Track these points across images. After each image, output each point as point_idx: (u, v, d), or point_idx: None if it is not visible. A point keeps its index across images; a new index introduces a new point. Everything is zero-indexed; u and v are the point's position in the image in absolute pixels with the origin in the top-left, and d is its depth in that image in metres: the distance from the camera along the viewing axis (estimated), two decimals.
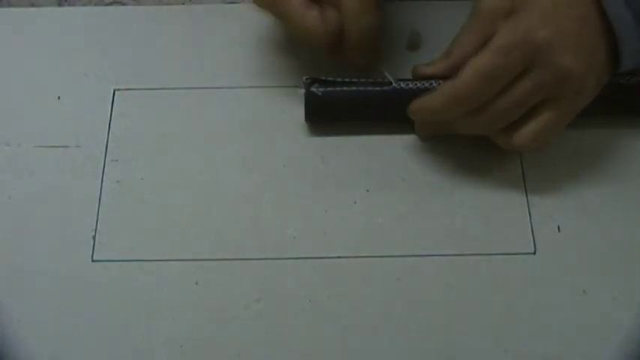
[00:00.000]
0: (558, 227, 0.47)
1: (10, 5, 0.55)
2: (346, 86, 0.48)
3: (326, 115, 0.49)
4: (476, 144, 0.49)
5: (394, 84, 0.48)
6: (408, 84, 0.47)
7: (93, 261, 0.46)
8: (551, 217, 0.47)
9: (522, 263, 0.46)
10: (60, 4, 0.56)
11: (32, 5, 0.56)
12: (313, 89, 0.48)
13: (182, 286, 0.46)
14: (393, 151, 0.49)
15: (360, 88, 0.48)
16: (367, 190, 0.48)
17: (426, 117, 0.46)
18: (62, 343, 0.44)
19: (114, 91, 0.52)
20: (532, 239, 0.47)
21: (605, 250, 0.46)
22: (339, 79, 0.48)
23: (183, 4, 0.55)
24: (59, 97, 0.52)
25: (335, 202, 0.48)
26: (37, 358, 0.43)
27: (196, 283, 0.46)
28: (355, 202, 0.48)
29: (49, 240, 0.47)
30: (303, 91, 0.48)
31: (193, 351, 0.44)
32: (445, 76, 0.45)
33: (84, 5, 0.55)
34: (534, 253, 0.46)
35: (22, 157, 0.49)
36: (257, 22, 0.53)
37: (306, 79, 0.48)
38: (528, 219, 0.47)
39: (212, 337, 0.44)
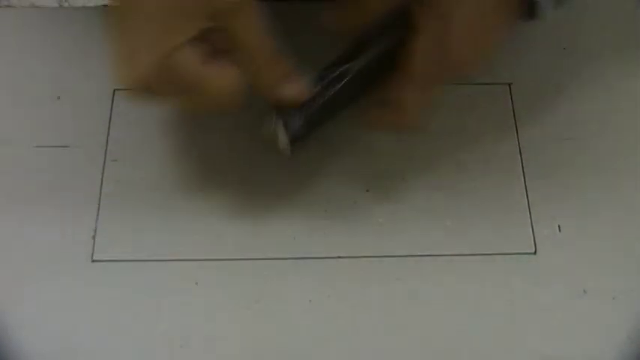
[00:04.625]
0: (559, 227, 0.47)
1: (10, 5, 0.56)
2: (318, 100, 0.44)
3: (308, 136, 0.45)
4: (476, 144, 0.49)
5: (346, 66, 0.43)
6: (354, 66, 0.43)
7: (93, 261, 0.46)
8: (552, 217, 0.47)
9: (523, 263, 0.46)
10: (60, 4, 0.56)
11: (32, 5, 0.56)
12: (293, 122, 0.43)
13: (182, 286, 0.45)
14: (393, 151, 0.49)
15: (331, 92, 0.44)
16: (367, 190, 0.48)
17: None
18: (62, 343, 0.44)
19: (114, 91, 0.52)
20: (532, 239, 0.47)
21: (605, 250, 0.46)
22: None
23: None
24: (59, 97, 0.52)
25: (335, 202, 0.48)
26: (37, 358, 0.43)
27: (196, 283, 0.46)
28: (355, 202, 0.48)
29: (49, 240, 0.47)
30: (284, 134, 0.44)
31: (193, 351, 0.44)
32: None
33: (84, 5, 0.55)
34: (535, 253, 0.46)
35: (22, 157, 0.49)
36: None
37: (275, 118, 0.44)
38: (529, 219, 0.47)
39: (212, 337, 0.44)
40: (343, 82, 0.43)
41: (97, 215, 0.47)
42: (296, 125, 0.43)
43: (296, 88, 0.42)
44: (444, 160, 0.49)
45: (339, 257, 0.46)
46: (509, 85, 0.52)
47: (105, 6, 0.55)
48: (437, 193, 0.48)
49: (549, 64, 0.53)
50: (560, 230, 0.47)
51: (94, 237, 0.47)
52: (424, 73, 0.42)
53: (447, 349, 0.44)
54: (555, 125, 0.50)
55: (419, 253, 0.46)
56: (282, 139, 0.44)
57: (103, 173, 0.49)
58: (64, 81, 0.52)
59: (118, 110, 0.51)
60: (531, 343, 0.44)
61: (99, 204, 0.48)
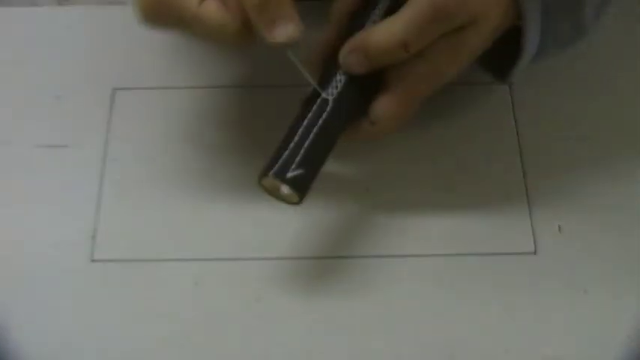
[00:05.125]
0: (559, 227, 0.47)
1: (10, 5, 0.56)
2: (308, 135, 0.42)
3: (313, 176, 0.42)
4: (476, 144, 0.49)
5: (323, 95, 0.42)
6: (333, 90, 0.43)
7: (93, 261, 0.46)
8: (552, 217, 0.47)
9: (523, 263, 0.46)
10: (60, 4, 0.56)
11: (32, 5, 0.56)
12: (291, 174, 0.41)
13: (182, 286, 0.45)
14: (393, 151, 0.49)
15: (315, 132, 0.42)
16: (367, 190, 0.48)
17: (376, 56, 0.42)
18: (62, 343, 0.44)
19: (114, 90, 0.52)
20: (533, 239, 0.47)
21: (606, 249, 0.46)
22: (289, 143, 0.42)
23: None
24: (59, 97, 0.52)
25: (335, 201, 0.48)
26: (37, 358, 0.43)
27: (196, 283, 0.46)
28: (355, 202, 0.48)
29: (49, 240, 0.47)
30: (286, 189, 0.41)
31: (193, 351, 0.44)
32: None
33: (84, 5, 0.55)
34: (535, 252, 0.46)
35: (22, 157, 0.49)
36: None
37: (272, 175, 0.41)
38: (529, 218, 0.47)
39: (212, 337, 0.44)
40: (327, 110, 0.42)
41: (97, 215, 0.47)
42: (295, 168, 0.41)
43: (289, 30, 0.39)
44: (444, 159, 0.49)
45: (339, 257, 0.46)
46: (510, 84, 0.52)
47: (105, 5, 0.55)
48: (437, 193, 0.48)
49: (549, 64, 0.52)
50: (560, 230, 0.47)
51: (94, 237, 0.47)
52: (411, 90, 0.43)
53: (447, 349, 0.44)
54: (555, 125, 0.50)
55: (419, 253, 0.46)
56: (284, 188, 0.41)
57: (103, 173, 0.49)
58: (64, 81, 0.52)
59: (118, 110, 0.51)
60: (531, 343, 0.44)
61: (99, 204, 0.48)
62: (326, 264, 0.46)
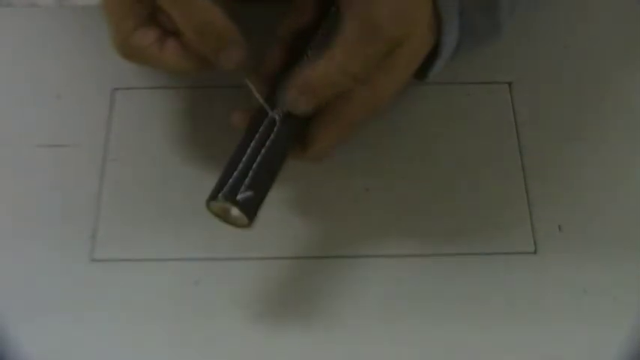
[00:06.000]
0: (559, 227, 0.47)
1: (10, 5, 0.56)
2: (252, 164, 0.41)
3: (261, 199, 0.41)
4: (476, 143, 0.49)
5: (271, 114, 0.42)
6: (280, 111, 0.42)
7: (92, 260, 0.46)
8: (552, 217, 0.47)
9: (523, 263, 0.46)
10: (60, 4, 0.56)
11: (32, 5, 0.56)
12: (241, 197, 0.40)
13: (182, 286, 0.45)
14: (393, 151, 0.49)
15: (264, 153, 0.41)
16: (367, 190, 0.48)
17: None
18: (62, 343, 0.44)
19: (114, 90, 0.52)
20: (532, 239, 0.47)
21: (605, 250, 0.46)
22: (238, 166, 0.41)
23: None
24: (59, 96, 0.52)
25: (334, 201, 0.48)
26: (37, 358, 0.43)
27: (196, 283, 0.46)
28: (355, 202, 0.48)
29: (48, 240, 0.47)
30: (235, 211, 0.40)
31: (193, 351, 0.44)
32: None
33: (84, 5, 0.55)
34: (535, 252, 0.46)
35: (22, 156, 0.49)
36: (257, 21, 0.53)
37: (221, 197, 0.40)
38: (529, 218, 0.47)
39: (212, 337, 0.44)
40: (275, 131, 0.41)
41: (97, 215, 0.47)
42: (244, 190, 0.40)
43: (234, 56, 0.42)
44: (443, 159, 0.49)
45: (340, 257, 0.46)
46: (509, 83, 0.52)
47: None
48: (437, 193, 0.48)
49: (550, 62, 0.53)
50: (560, 230, 0.47)
51: (93, 237, 0.47)
52: (352, 116, 0.43)
53: (447, 349, 0.44)
54: (556, 124, 0.50)
55: (419, 253, 0.46)
56: (235, 211, 0.40)
57: (102, 173, 0.49)
58: (64, 80, 0.52)
59: (118, 109, 0.51)
60: (531, 343, 0.44)
61: (99, 203, 0.48)
62: (326, 264, 0.46)
